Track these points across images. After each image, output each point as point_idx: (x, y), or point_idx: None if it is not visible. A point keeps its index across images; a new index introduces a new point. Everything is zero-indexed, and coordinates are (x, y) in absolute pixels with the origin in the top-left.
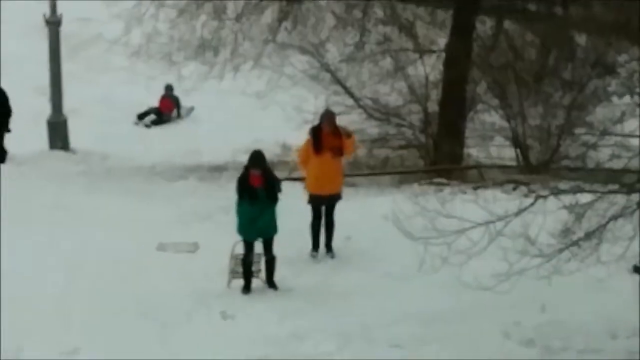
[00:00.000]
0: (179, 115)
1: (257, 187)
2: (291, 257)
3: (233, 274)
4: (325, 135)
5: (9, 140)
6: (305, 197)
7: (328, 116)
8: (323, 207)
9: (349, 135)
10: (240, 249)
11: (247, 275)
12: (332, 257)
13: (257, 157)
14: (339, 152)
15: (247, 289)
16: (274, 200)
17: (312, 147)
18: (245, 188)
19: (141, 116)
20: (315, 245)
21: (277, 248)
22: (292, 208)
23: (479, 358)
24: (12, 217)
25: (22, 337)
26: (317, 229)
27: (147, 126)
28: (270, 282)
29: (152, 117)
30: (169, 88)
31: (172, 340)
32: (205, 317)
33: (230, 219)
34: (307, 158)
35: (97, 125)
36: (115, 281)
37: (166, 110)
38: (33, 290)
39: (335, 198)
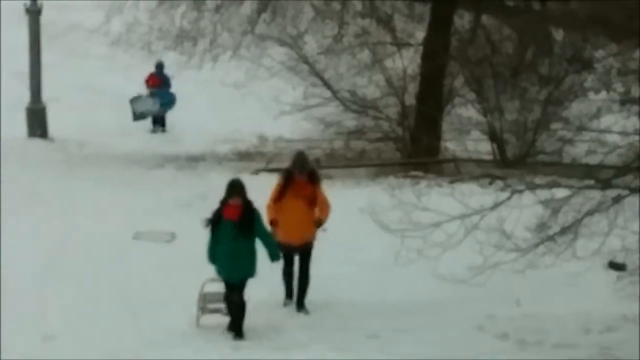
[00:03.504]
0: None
1: (232, 220)
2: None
3: (202, 310)
4: (297, 183)
5: None
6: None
7: (299, 162)
8: (295, 256)
9: (317, 180)
10: (209, 288)
11: (236, 316)
12: (306, 313)
13: (236, 186)
14: (310, 201)
15: (238, 334)
16: (251, 235)
17: (278, 193)
18: (218, 222)
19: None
20: (289, 294)
21: None
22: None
23: (453, 350)
24: None
25: None
26: (288, 276)
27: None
28: (237, 331)
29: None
30: (159, 66)
31: (147, 329)
32: (180, 307)
33: (208, 205)
34: (273, 203)
35: (76, 113)
36: (91, 269)
37: (153, 86)
38: (10, 277)
39: (306, 247)
